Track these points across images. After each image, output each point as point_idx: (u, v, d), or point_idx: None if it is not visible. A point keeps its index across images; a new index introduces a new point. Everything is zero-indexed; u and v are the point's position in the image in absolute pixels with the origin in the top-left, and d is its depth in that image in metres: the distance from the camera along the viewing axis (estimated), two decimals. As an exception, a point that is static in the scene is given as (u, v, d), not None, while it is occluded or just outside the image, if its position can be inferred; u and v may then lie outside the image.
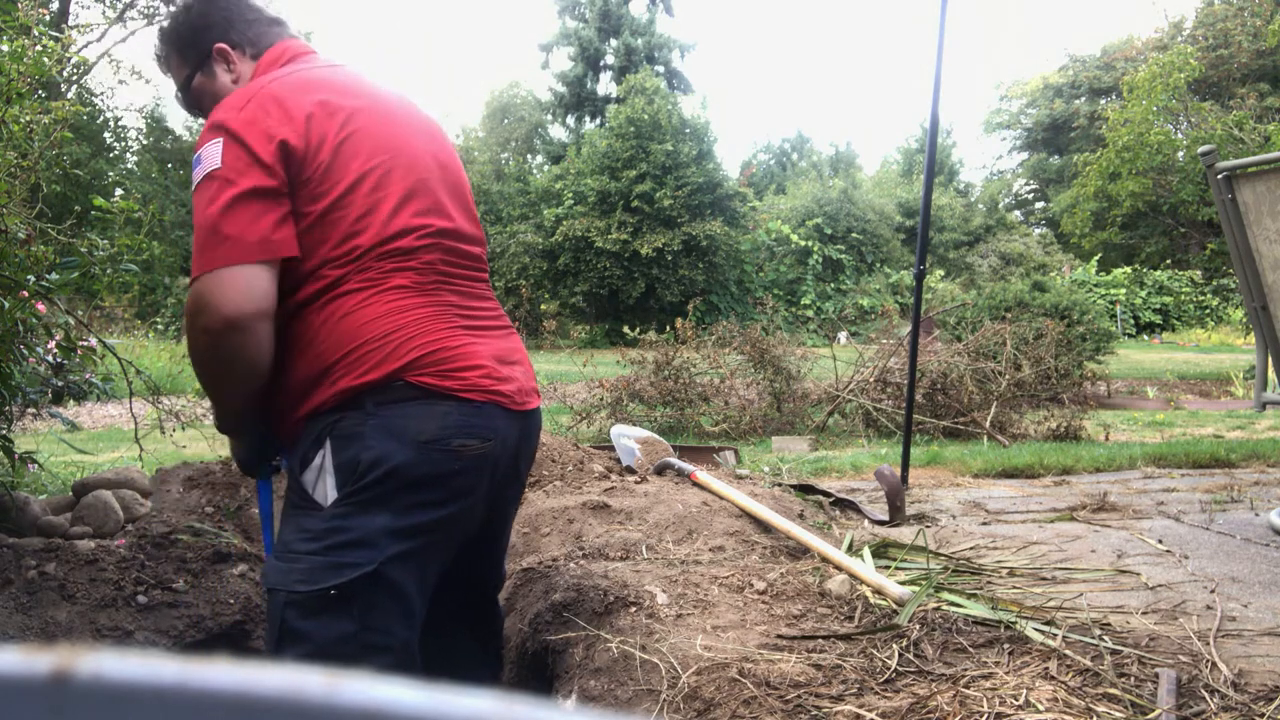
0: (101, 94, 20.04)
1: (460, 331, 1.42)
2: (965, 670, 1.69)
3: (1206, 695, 1.57)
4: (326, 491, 1.34)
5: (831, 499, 3.47)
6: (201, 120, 1.57)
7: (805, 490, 3.56)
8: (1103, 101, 29.09)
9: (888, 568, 2.40)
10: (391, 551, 1.32)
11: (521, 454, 1.54)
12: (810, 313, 21.49)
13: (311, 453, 1.35)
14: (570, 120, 32.17)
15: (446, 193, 1.52)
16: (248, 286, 1.28)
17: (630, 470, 3.55)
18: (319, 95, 1.41)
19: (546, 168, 26.20)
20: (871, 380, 6.92)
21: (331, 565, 1.30)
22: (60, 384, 2.99)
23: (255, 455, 1.56)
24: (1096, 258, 23.01)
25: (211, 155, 1.32)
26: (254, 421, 1.49)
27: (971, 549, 2.73)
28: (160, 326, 15.65)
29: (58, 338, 2.94)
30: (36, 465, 3.24)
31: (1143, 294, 23.41)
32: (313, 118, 1.37)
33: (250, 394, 1.39)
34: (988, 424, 6.14)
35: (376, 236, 1.38)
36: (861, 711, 1.53)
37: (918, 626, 1.91)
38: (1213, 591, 2.26)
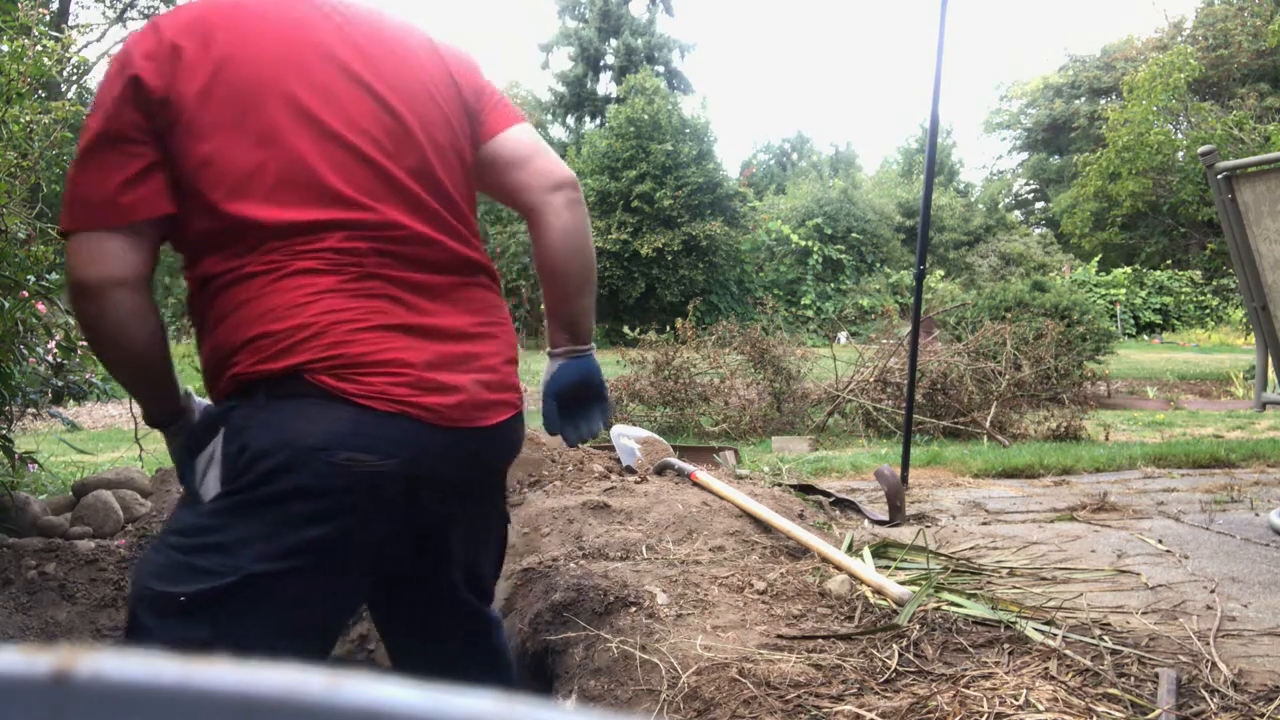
0: (101, 94, 20.02)
1: (385, 332, 1.20)
2: (965, 670, 1.69)
3: (1206, 695, 1.57)
4: (210, 484, 1.20)
5: (831, 499, 3.47)
6: None
7: (805, 490, 3.56)
8: (1103, 101, 29.10)
9: (888, 568, 2.40)
10: (259, 568, 1.14)
11: (469, 474, 1.33)
12: (810, 313, 21.50)
13: (205, 438, 1.23)
14: (570, 120, 32.17)
15: (393, 164, 1.25)
16: (96, 254, 1.15)
17: (630, 470, 3.55)
18: (208, 23, 1.18)
19: (546, 168, 26.19)
20: (871, 380, 6.92)
21: (188, 568, 1.15)
22: (60, 384, 2.99)
23: (179, 450, 1.35)
24: (1096, 258, 23.01)
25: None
26: (159, 408, 1.34)
27: (971, 549, 2.73)
28: (160, 326, 15.60)
29: (58, 338, 2.94)
30: (36, 465, 3.24)
31: (1143, 294, 23.41)
32: (181, 50, 1.15)
33: (126, 366, 1.27)
34: (988, 424, 6.14)
35: (277, 216, 1.18)
36: (861, 711, 1.53)
37: (918, 626, 1.91)
38: (1213, 591, 2.26)
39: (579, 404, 1.48)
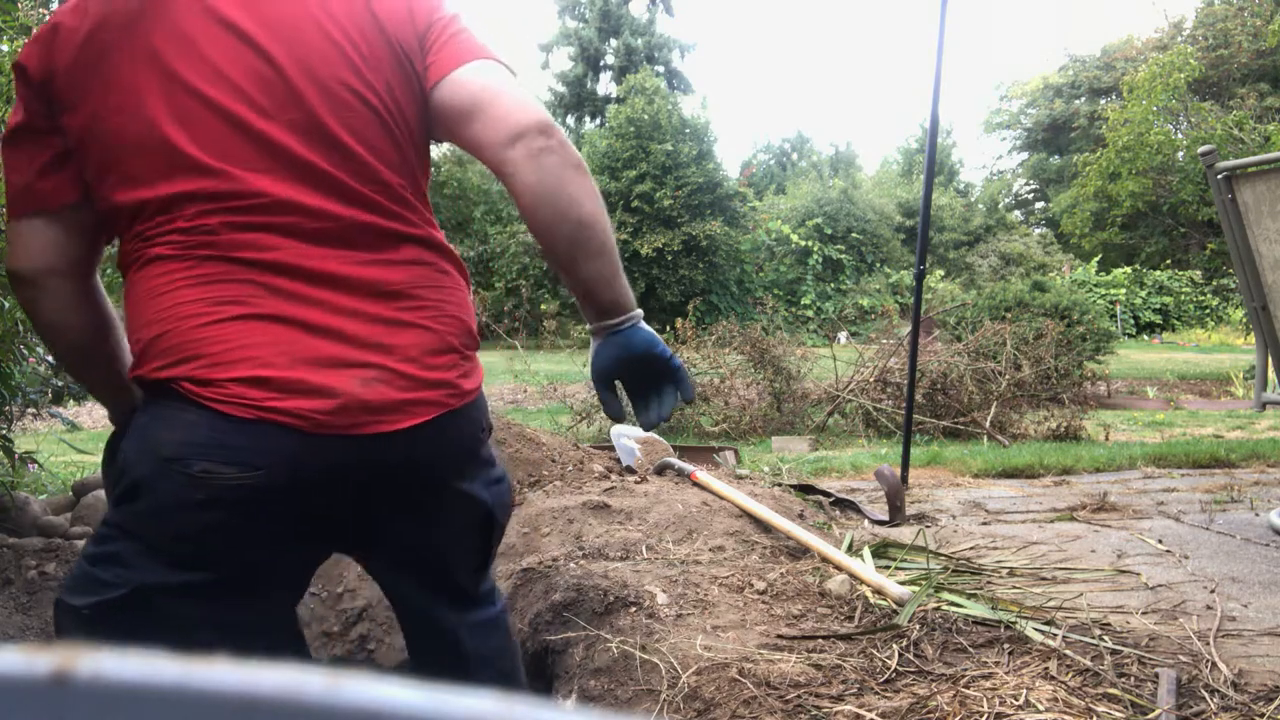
0: (101, 94, 20.03)
1: (243, 324, 1.04)
2: (965, 670, 1.69)
3: (1206, 695, 1.57)
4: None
5: (831, 499, 3.47)
6: None
7: (805, 490, 3.56)
8: (1103, 101, 29.10)
9: (888, 568, 2.40)
10: (150, 580, 1.05)
11: (391, 484, 1.14)
12: (810, 313, 21.50)
13: (116, 444, 1.18)
14: (570, 120, 32.18)
15: (272, 125, 1.08)
16: (27, 243, 1.12)
17: (630, 470, 3.55)
18: None
19: (546, 168, 26.22)
20: (871, 380, 6.92)
21: (91, 580, 1.08)
22: (60, 384, 2.99)
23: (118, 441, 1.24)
24: (1096, 258, 23.01)
25: None
26: (115, 409, 1.25)
27: (971, 549, 2.73)
28: (160, 326, 15.59)
29: (58, 338, 2.93)
30: (36, 465, 3.24)
31: (1143, 294, 23.41)
32: (59, 26, 1.09)
33: (66, 357, 1.22)
34: (988, 424, 6.14)
35: (129, 196, 1.08)
36: (861, 711, 1.53)
37: (918, 626, 1.91)
38: (1213, 591, 2.26)
39: (644, 382, 1.24)
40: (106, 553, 1.09)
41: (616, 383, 1.25)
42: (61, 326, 1.18)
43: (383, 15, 1.13)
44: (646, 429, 1.33)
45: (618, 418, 1.31)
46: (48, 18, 1.22)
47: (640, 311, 1.23)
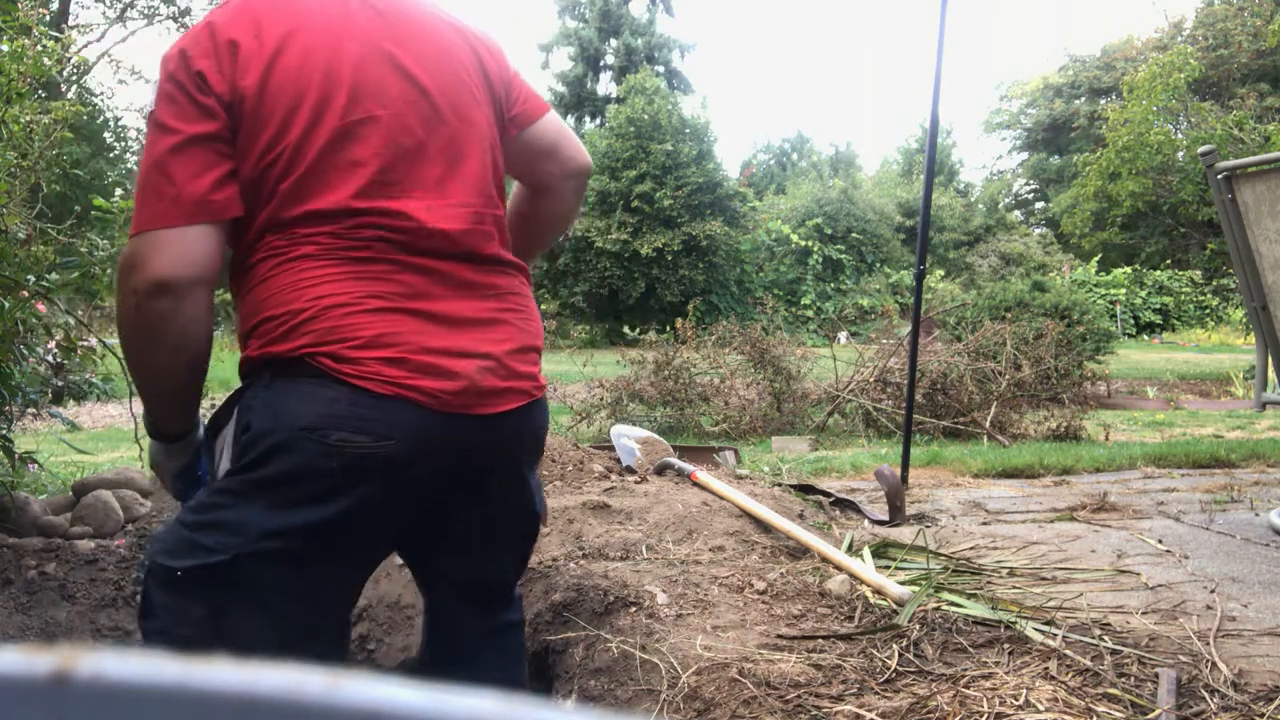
0: (101, 94, 20.08)
1: (384, 315, 1.18)
2: (965, 670, 1.69)
3: (1206, 695, 1.57)
4: (223, 463, 1.23)
5: (831, 499, 3.47)
6: None
7: (805, 490, 3.56)
8: (1103, 101, 29.09)
9: (888, 568, 2.40)
10: (258, 547, 1.15)
11: (480, 464, 1.29)
12: (810, 313, 21.50)
13: (223, 420, 1.25)
14: (570, 120, 32.17)
15: (422, 150, 1.25)
16: (187, 252, 1.15)
17: (630, 470, 3.55)
18: (257, 14, 1.20)
19: (546, 168, 26.26)
20: (871, 380, 6.92)
21: (190, 544, 1.16)
22: (60, 384, 2.99)
23: (183, 468, 1.34)
24: (1096, 258, 23.01)
25: (152, 95, 1.19)
26: (184, 418, 1.31)
27: (971, 549, 2.73)
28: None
29: (58, 338, 2.94)
30: (36, 465, 3.24)
31: (1143, 294, 23.40)
32: (238, 45, 1.17)
33: (180, 372, 1.24)
34: (988, 424, 6.14)
35: (331, 205, 1.20)
36: (861, 711, 1.53)
37: (918, 626, 1.91)
38: (1213, 591, 2.26)
39: None
40: (212, 520, 1.17)
41: None
42: (193, 337, 1.21)
43: (489, 68, 1.37)
44: None
45: None
46: (205, 20, 1.22)
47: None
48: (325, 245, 1.19)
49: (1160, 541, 2.79)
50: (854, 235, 23.52)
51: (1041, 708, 1.52)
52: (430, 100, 1.25)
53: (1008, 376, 6.59)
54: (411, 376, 1.17)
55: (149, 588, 1.18)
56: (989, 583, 2.34)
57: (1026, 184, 37.85)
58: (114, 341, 3.32)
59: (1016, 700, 1.54)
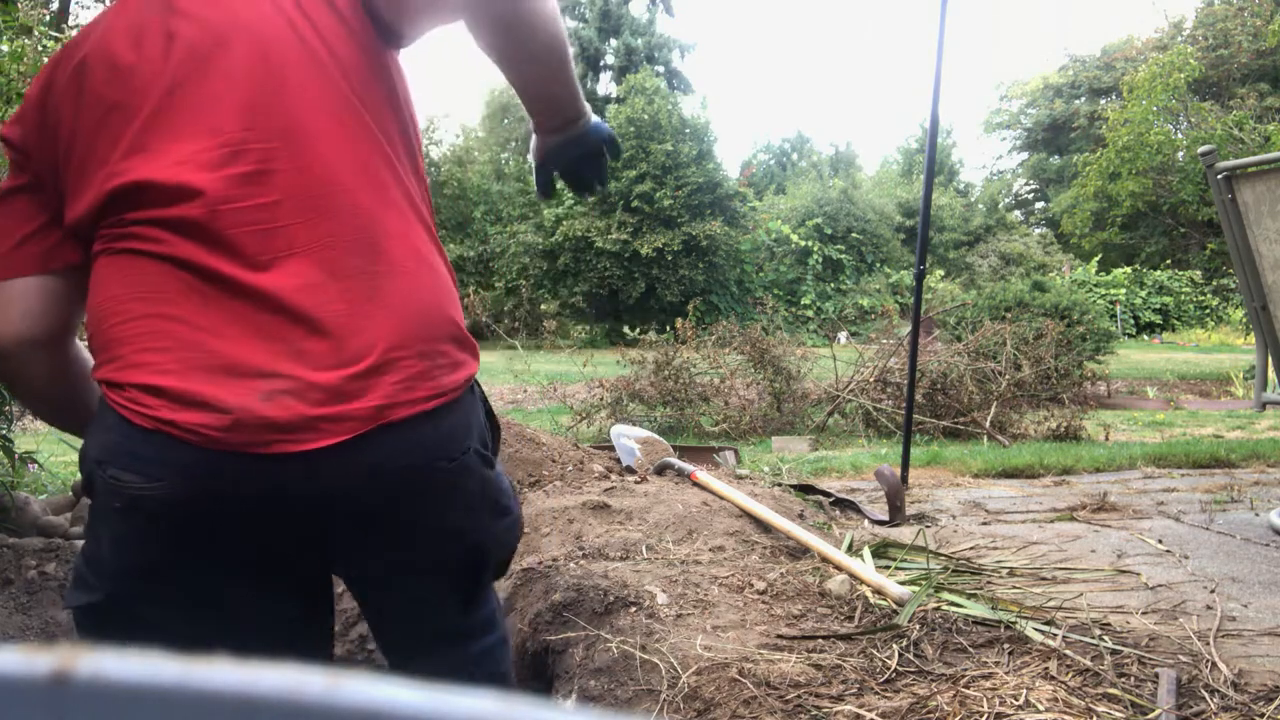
0: (101, 94, 20.01)
1: (159, 323, 0.96)
2: (965, 670, 1.69)
3: (1206, 695, 1.57)
4: None
5: (831, 499, 3.47)
6: None
7: (805, 490, 3.56)
8: (1103, 101, 29.10)
9: (888, 568, 2.40)
10: (119, 587, 1.01)
11: (320, 512, 1.01)
12: (810, 313, 21.50)
13: None
14: (570, 120, 32.11)
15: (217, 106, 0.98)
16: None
17: (630, 470, 3.55)
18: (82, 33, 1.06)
19: (546, 168, 26.28)
20: (871, 380, 6.92)
21: (80, 580, 1.04)
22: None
23: None
24: (1096, 258, 23.01)
25: None
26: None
27: (971, 549, 2.73)
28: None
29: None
30: (36, 465, 3.24)
31: (1143, 294, 23.41)
32: (57, 64, 1.05)
33: (60, 420, 1.16)
34: (988, 424, 6.15)
35: (95, 202, 1.01)
36: (861, 711, 1.53)
37: (918, 626, 1.91)
38: (1213, 591, 2.26)
39: (587, 163, 1.28)
40: (88, 552, 1.05)
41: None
42: (42, 397, 1.13)
43: None
44: (589, 196, 1.36)
45: (548, 194, 1.31)
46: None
47: (589, 107, 1.24)
48: (114, 240, 1.01)
49: (1160, 541, 2.79)
50: (854, 235, 23.52)
51: (1041, 708, 1.52)
52: (188, 39, 1.00)
53: (1008, 376, 6.59)
54: (169, 407, 0.94)
55: (76, 624, 1.08)
56: (989, 583, 2.34)
57: (1026, 184, 37.85)
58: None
59: (1016, 700, 1.54)
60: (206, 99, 0.98)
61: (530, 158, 1.30)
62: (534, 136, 1.26)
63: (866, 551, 2.49)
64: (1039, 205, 37.17)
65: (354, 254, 0.99)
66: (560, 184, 1.31)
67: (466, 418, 1.07)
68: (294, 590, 1.12)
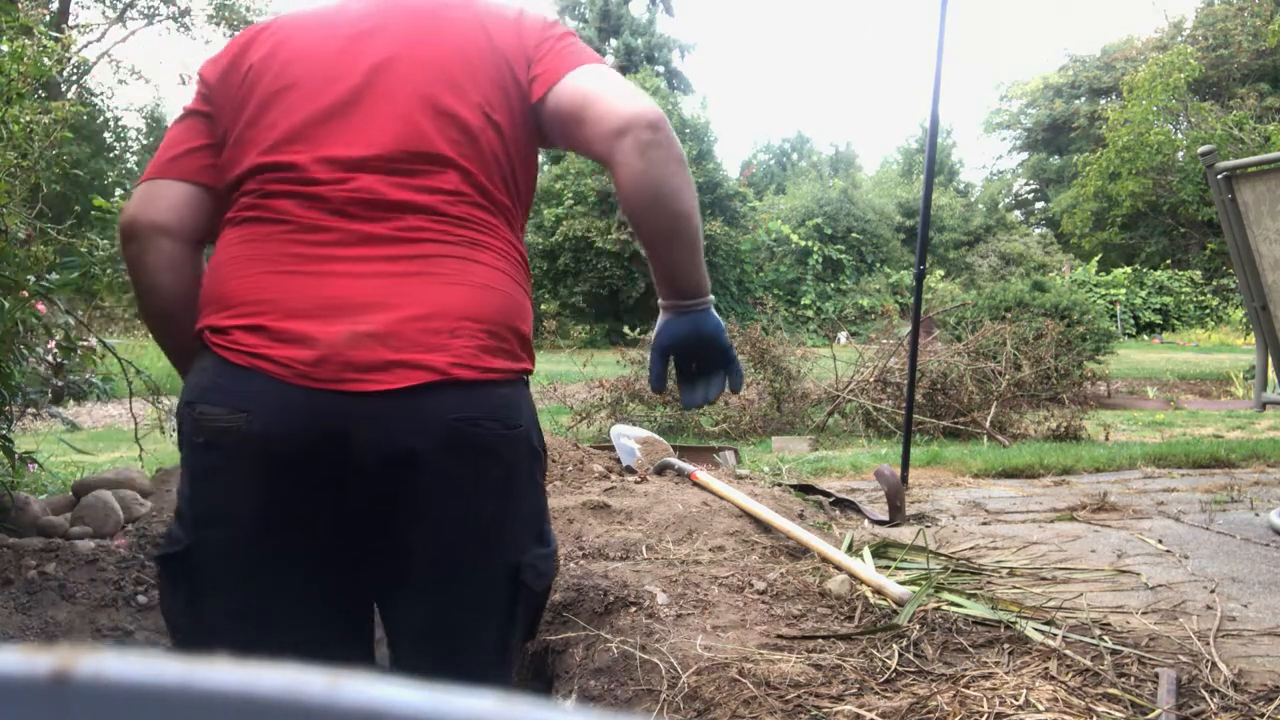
0: (101, 94, 20.06)
1: (269, 277, 1.10)
2: (965, 670, 1.69)
3: (1206, 695, 1.57)
4: None
5: (831, 499, 3.47)
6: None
7: (805, 490, 3.56)
8: (1103, 101, 29.10)
9: (888, 568, 2.40)
10: (198, 537, 1.10)
11: (373, 454, 1.06)
12: (810, 313, 21.49)
13: None
14: (570, 120, 32.13)
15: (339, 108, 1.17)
16: (147, 196, 1.21)
17: (630, 470, 3.55)
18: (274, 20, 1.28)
19: (547, 168, 26.29)
20: (871, 380, 6.92)
21: (169, 533, 1.15)
22: (60, 384, 2.99)
23: None
24: (1096, 258, 23.01)
25: None
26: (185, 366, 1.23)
27: (971, 549, 2.73)
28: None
29: (58, 338, 2.94)
30: (36, 465, 3.24)
31: (1143, 294, 23.40)
32: (247, 44, 1.25)
33: (153, 323, 1.26)
34: (988, 424, 6.14)
35: (243, 168, 1.19)
36: (861, 711, 1.53)
37: (918, 626, 1.91)
38: (1213, 591, 2.26)
39: (700, 363, 1.31)
40: (177, 508, 1.15)
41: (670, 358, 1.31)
42: (157, 289, 1.23)
43: (494, 34, 1.23)
44: (688, 407, 1.38)
45: (659, 389, 1.36)
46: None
47: (713, 298, 1.29)
48: (234, 211, 1.18)
49: (1160, 541, 2.79)
50: (854, 235, 23.52)
51: (1041, 708, 1.52)
52: (366, 63, 1.18)
53: (1008, 376, 6.59)
54: (267, 345, 1.05)
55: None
56: (989, 583, 2.34)
57: (1026, 184, 37.83)
58: (114, 341, 3.33)
59: (1016, 700, 1.54)
60: (376, 117, 1.16)
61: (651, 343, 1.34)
62: (659, 318, 1.31)
63: (866, 551, 2.49)
64: (1039, 205, 37.16)
65: (450, 249, 1.15)
66: (672, 378, 1.35)
67: (524, 405, 1.17)
68: (353, 571, 1.17)
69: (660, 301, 1.29)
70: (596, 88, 1.20)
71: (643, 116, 1.16)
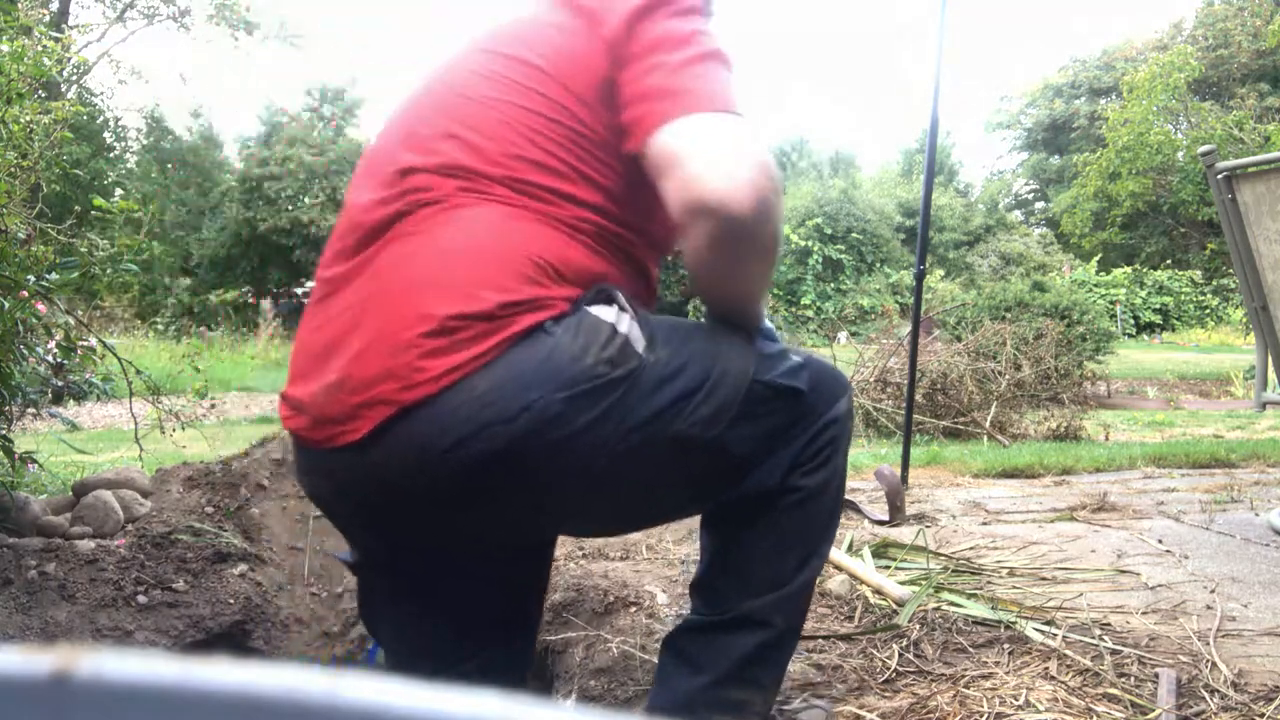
0: (101, 94, 20.05)
1: (300, 339, 1.11)
2: (965, 670, 1.69)
3: (1206, 695, 1.57)
4: None
5: (831, 499, 3.47)
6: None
7: (805, 490, 3.55)
8: (1103, 101, 29.09)
9: (888, 568, 2.40)
10: (360, 554, 1.22)
11: (384, 507, 1.04)
12: (810, 313, 21.49)
13: None
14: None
15: (406, 145, 1.09)
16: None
17: (630, 470, 3.55)
18: None
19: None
20: (871, 380, 6.92)
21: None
22: (60, 384, 2.99)
23: None
24: (1096, 258, 23.01)
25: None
26: None
27: (971, 549, 2.73)
28: (160, 326, 15.63)
29: (58, 338, 2.94)
30: (36, 465, 3.24)
31: (1143, 294, 23.41)
32: None
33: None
34: (988, 424, 6.14)
35: None
36: (861, 712, 1.53)
37: (918, 626, 1.91)
38: (1213, 591, 2.26)
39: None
40: None
41: None
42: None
43: (590, 66, 1.09)
44: None
45: None
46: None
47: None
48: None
49: (1160, 541, 2.79)
50: (854, 235, 23.52)
51: (1041, 708, 1.52)
52: (430, 95, 1.14)
53: (1008, 376, 6.59)
54: (289, 416, 1.08)
55: None
56: (989, 583, 2.34)
57: (1026, 184, 37.84)
58: (114, 341, 3.32)
59: (1016, 700, 1.54)
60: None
61: None
62: None
63: (866, 551, 2.49)
64: (1039, 205, 37.16)
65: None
66: None
67: (523, 369, 0.96)
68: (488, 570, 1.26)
69: None
70: (680, 151, 0.98)
71: (727, 204, 0.93)
